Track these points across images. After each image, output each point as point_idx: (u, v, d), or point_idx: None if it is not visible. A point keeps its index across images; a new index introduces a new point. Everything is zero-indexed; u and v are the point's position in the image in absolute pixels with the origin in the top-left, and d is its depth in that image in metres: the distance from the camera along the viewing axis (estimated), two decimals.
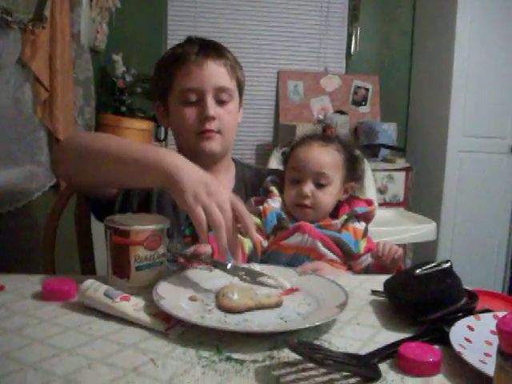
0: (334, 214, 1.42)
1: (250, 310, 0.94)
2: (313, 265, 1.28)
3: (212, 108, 1.39)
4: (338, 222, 1.36)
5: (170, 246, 1.14)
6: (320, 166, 1.37)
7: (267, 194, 1.43)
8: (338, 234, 1.35)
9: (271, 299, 0.98)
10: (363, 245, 1.39)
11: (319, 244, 1.32)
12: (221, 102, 1.42)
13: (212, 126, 1.40)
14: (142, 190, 1.41)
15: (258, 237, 1.33)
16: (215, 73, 1.41)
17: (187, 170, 1.05)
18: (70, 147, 1.27)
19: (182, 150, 1.49)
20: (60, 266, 1.62)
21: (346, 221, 1.38)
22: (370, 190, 3.12)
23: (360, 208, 1.40)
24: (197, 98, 1.40)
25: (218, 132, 1.42)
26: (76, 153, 1.23)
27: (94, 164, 1.19)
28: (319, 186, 1.37)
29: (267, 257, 1.33)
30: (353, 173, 1.44)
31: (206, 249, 1.14)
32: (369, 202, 1.44)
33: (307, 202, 1.36)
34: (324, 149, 1.40)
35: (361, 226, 1.40)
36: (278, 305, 0.97)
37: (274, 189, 1.43)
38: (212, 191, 1.01)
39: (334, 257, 1.33)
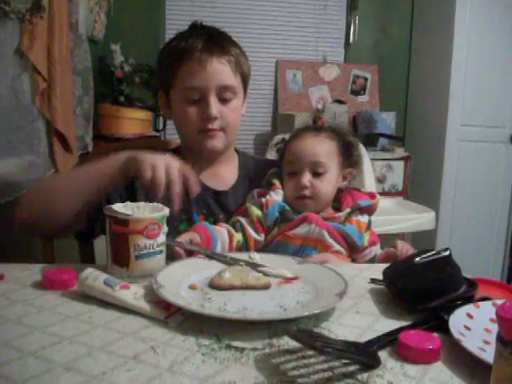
0: (337, 206, 1.42)
1: (234, 288, 0.98)
2: (320, 256, 1.27)
3: (215, 107, 1.38)
4: (341, 215, 1.36)
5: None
6: (315, 154, 1.37)
7: (270, 186, 1.43)
8: (343, 226, 1.35)
9: (259, 281, 1.01)
10: (367, 237, 1.39)
11: (326, 234, 1.31)
12: (224, 100, 1.41)
13: (215, 125, 1.40)
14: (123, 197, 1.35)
15: (252, 234, 1.34)
16: (219, 71, 1.38)
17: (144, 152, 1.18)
18: (33, 197, 1.35)
19: (185, 143, 1.50)
20: (60, 255, 1.62)
21: (350, 214, 1.38)
22: (368, 180, 3.11)
23: (363, 201, 1.40)
24: (199, 96, 1.39)
25: (221, 130, 1.41)
26: (42, 195, 1.32)
27: (65, 192, 1.27)
28: (317, 174, 1.37)
29: (273, 247, 1.33)
30: (349, 158, 1.44)
31: (196, 237, 1.20)
32: (372, 195, 1.44)
33: (306, 192, 1.36)
34: (317, 138, 1.40)
35: (364, 218, 1.40)
36: (264, 287, 1.00)
37: (276, 181, 1.42)
38: (167, 160, 1.16)
39: (340, 248, 1.33)
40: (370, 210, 1.42)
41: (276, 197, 1.38)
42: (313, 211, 1.35)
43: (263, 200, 1.37)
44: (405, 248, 1.32)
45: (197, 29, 1.46)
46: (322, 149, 1.39)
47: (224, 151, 1.48)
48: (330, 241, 1.32)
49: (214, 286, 0.99)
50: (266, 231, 1.36)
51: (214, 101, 1.38)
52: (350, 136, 1.48)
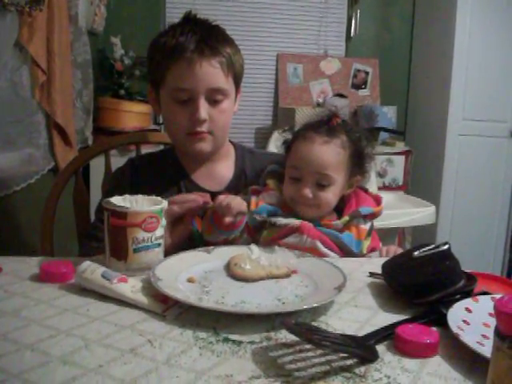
0: (341, 207, 1.35)
1: (261, 279, 1.01)
2: None
3: (204, 110, 1.34)
4: (339, 223, 1.29)
5: None
6: (322, 167, 1.27)
7: (264, 186, 1.38)
8: (339, 234, 1.29)
9: (281, 270, 1.04)
10: (366, 244, 1.33)
11: (319, 244, 1.25)
12: (214, 102, 1.36)
13: (203, 127, 1.36)
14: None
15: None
16: (209, 74, 1.33)
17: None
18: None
19: (174, 142, 1.48)
20: (59, 248, 1.62)
21: (349, 221, 1.31)
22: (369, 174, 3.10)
23: (364, 208, 1.32)
24: (188, 97, 1.34)
25: (209, 133, 1.37)
26: None
27: None
28: (321, 185, 1.28)
29: None
30: (359, 168, 1.35)
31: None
32: (377, 200, 1.37)
33: (308, 203, 1.29)
34: (327, 146, 1.29)
35: (366, 225, 1.33)
36: (287, 275, 1.03)
37: (270, 182, 1.37)
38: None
39: (334, 256, 1.27)
40: (373, 216, 1.35)
41: (268, 199, 1.33)
42: (312, 217, 1.30)
43: (253, 199, 1.32)
44: (391, 253, 1.29)
45: (189, 23, 1.39)
46: (331, 160, 1.28)
47: (215, 152, 1.44)
48: (324, 250, 1.26)
49: (242, 278, 1.01)
50: (252, 232, 1.31)
51: (203, 103, 1.34)
52: (366, 143, 1.37)
